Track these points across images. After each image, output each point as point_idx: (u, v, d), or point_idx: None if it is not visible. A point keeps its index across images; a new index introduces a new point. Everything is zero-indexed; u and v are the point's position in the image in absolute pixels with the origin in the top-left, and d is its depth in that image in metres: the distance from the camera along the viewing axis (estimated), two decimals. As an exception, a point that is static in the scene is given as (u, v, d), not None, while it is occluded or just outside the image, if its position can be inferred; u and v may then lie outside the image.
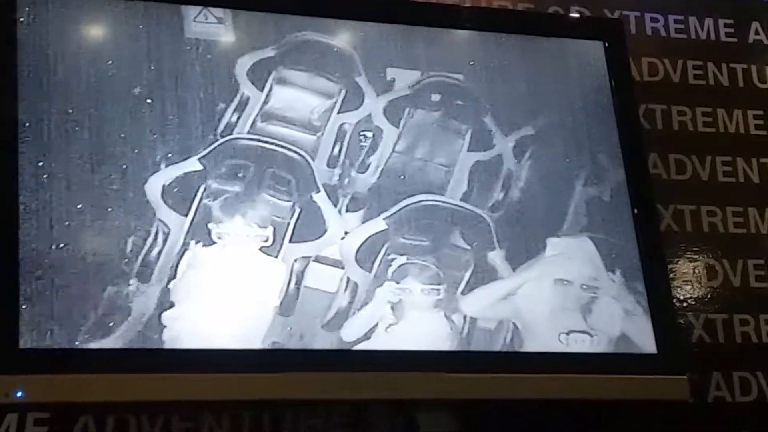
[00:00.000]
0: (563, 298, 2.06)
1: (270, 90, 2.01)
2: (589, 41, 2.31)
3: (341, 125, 2.03)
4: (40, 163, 1.85)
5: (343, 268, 1.95)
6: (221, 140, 1.94)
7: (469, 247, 2.04)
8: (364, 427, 2.12)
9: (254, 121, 1.98)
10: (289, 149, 1.98)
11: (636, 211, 2.18)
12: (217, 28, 2.04)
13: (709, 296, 2.38)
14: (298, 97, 2.02)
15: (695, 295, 2.37)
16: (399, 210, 2.01)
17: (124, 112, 1.92)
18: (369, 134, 2.04)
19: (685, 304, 2.35)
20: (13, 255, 1.78)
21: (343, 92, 2.06)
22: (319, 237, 1.95)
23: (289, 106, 2.01)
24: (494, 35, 2.25)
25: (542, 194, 2.15)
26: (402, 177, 2.04)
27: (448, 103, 2.13)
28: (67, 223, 1.83)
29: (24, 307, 1.76)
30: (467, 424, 2.08)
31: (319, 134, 2.01)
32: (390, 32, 2.15)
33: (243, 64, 2.00)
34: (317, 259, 1.94)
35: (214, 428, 2.03)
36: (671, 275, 2.31)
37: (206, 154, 1.93)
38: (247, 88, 1.99)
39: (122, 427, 1.97)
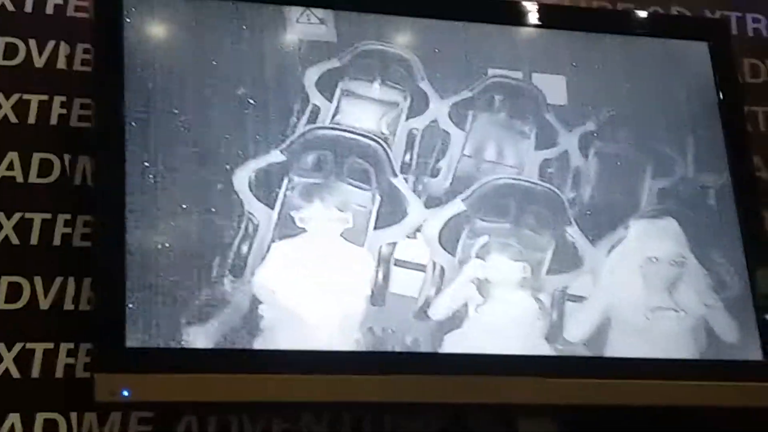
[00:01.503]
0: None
1: (339, 101, 2.01)
2: (694, 41, 2.27)
3: (410, 131, 2.02)
4: (146, 164, 1.86)
5: (428, 253, 1.96)
6: (302, 131, 1.95)
7: (547, 226, 2.03)
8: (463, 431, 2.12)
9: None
10: (366, 137, 1.98)
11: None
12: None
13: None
14: (365, 107, 2.02)
15: (800, 303, 2.32)
16: (476, 189, 2.02)
17: (227, 112, 1.94)
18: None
19: (789, 313, 2.30)
20: (121, 254, 1.80)
21: (409, 98, 2.05)
22: (402, 220, 1.96)
23: (357, 117, 2.01)
24: (596, 35, 2.23)
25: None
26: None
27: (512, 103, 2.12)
28: (172, 223, 1.84)
29: (130, 306, 1.78)
30: (567, 430, 2.05)
31: (389, 142, 2.01)
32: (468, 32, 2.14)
33: (311, 76, 2.00)
34: (403, 249, 1.94)
35: (314, 429, 2.03)
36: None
37: (288, 146, 1.93)
38: (317, 99, 1.99)
39: (224, 428, 1.97)
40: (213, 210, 1.87)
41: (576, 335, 2.00)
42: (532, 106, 2.12)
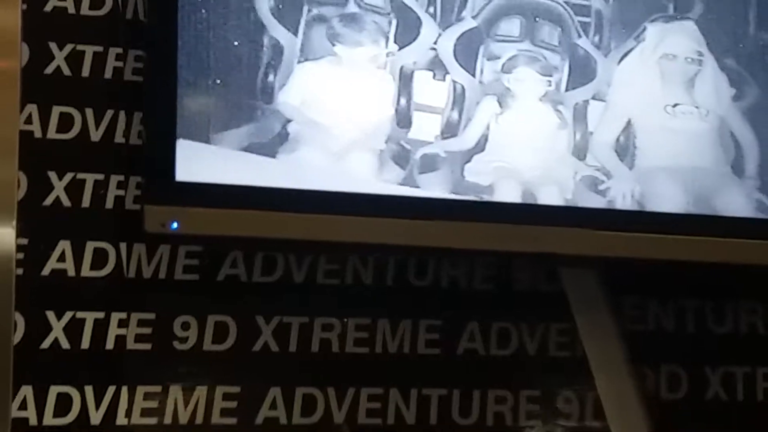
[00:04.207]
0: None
1: None
2: None
3: None
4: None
5: (447, 72, 1.94)
6: None
7: (558, 40, 2.01)
8: (506, 280, 2.14)
9: None
10: None
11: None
12: None
13: None
14: None
15: None
16: (484, 6, 1.98)
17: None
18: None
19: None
20: (172, 90, 1.80)
21: None
22: (415, 39, 1.93)
23: None
24: None
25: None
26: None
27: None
28: (221, 62, 1.83)
29: (181, 140, 1.79)
30: (609, 283, 2.07)
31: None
32: None
33: None
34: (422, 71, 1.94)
35: (360, 271, 2.06)
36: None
37: None
38: None
39: (270, 265, 2.01)
40: (254, 41, 1.87)
41: (602, 141, 2.00)
42: None
